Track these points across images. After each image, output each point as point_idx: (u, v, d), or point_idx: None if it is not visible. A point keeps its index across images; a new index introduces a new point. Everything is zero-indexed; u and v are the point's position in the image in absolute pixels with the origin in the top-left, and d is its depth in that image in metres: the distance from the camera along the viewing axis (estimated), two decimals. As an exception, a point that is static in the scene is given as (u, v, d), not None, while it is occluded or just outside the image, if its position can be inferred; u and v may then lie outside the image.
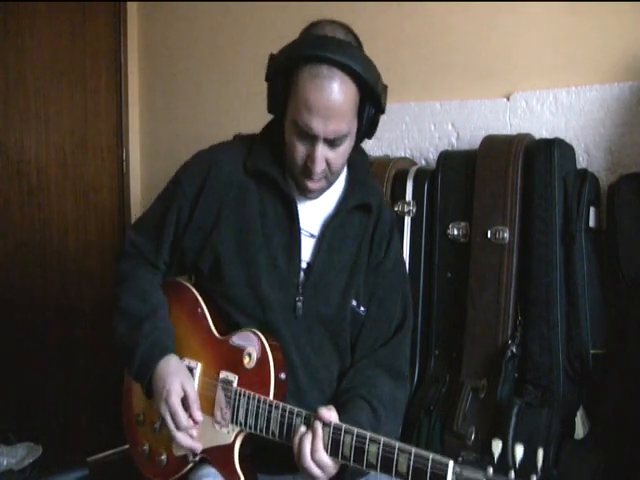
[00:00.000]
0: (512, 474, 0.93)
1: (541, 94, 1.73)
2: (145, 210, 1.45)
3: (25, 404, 2.54)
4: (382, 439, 1.04)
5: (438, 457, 0.99)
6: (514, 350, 1.54)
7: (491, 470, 0.95)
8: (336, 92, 1.16)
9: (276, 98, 1.24)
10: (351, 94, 1.19)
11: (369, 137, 1.31)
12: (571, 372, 1.53)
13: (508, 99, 1.80)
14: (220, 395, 1.26)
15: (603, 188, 1.59)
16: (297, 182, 1.29)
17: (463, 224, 1.69)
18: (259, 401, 1.19)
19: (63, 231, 2.72)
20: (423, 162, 1.96)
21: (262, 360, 1.22)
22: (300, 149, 1.22)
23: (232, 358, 1.26)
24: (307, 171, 1.24)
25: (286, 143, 1.26)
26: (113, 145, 2.87)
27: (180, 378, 1.25)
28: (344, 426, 1.09)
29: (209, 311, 1.34)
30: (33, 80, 2.60)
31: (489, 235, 1.61)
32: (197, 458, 1.30)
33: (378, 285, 1.35)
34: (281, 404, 1.17)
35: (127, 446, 1.49)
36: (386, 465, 1.03)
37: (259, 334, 1.24)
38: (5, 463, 1.79)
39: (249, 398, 1.21)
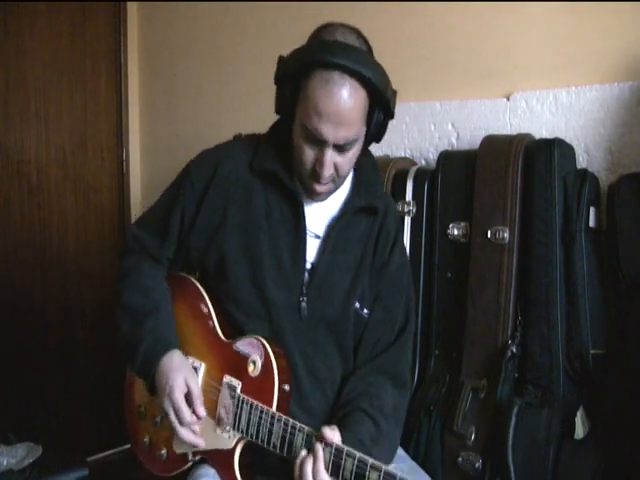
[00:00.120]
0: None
1: (541, 94, 1.73)
2: (149, 207, 1.45)
3: (25, 404, 2.53)
4: (383, 468, 1.03)
5: None
6: (514, 350, 1.54)
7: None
8: (346, 98, 1.16)
9: (285, 101, 1.23)
10: (361, 100, 1.18)
11: (377, 141, 1.31)
12: (571, 372, 1.53)
13: (508, 99, 1.80)
14: (223, 399, 1.25)
15: (603, 188, 1.59)
16: (304, 185, 1.29)
17: (463, 224, 1.69)
18: (262, 411, 1.19)
19: (63, 231, 2.72)
20: (423, 162, 1.96)
21: (266, 370, 1.21)
22: (309, 153, 1.22)
23: (236, 364, 1.25)
24: (315, 175, 1.24)
25: (294, 146, 1.26)
26: (113, 145, 2.87)
27: (184, 374, 1.25)
28: (346, 449, 1.08)
29: (215, 311, 1.34)
30: (33, 80, 2.60)
31: (489, 235, 1.61)
32: (197, 458, 1.30)
33: (381, 288, 1.35)
34: (283, 417, 1.17)
35: (127, 446, 1.49)
36: None
37: (264, 342, 1.23)
38: (5, 463, 1.79)
39: (252, 407, 1.20)
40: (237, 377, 1.25)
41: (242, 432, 1.21)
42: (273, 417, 1.17)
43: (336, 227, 1.32)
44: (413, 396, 1.69)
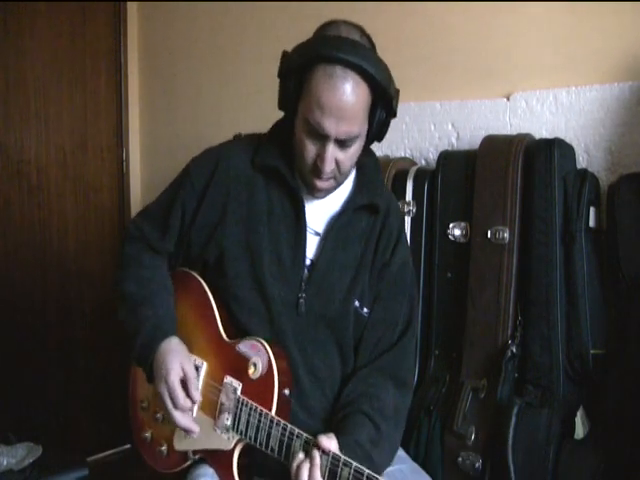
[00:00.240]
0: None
1: (541, 94, 1.73)
2: (153, 200, 1.46)
3: (25, 404, 2.53)
4: (380, 479, 1.03)
5: None
6: (514, 350, 1.54)
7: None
8: (349, 93, 1.16)
9: (288, 95, 1.24)
10: (364, 96, 1.19)
11: (379, 140, 1.32)
12: (571, 372, 1.53)
13: (508, 99, 1.80)
14: (223, 400, 1.25)
15: (603, 188, 1.59)
16: (305, 181, 1.29)
17: (463, 224, 1.69)
18: (261, 415, 1.19)
19: (63, 231, 2.72)
20: (423, 162, 1.96)
21: (267, 373, 1.21)
22: (310, 148, 1.22)
23: (238, 365, 1.25)
24: (316, 170, 1.24)
25: (296, 141, 1.26)
26: (113, 145, 2.87)
27: (180, 358, 1.26)
28: (342, 458, 1.07)
29: (218, 310, 1.34)
30: (33, 80, 2.60)
31: (489, 235, 1.61)
32: (196, 457, 1.30)
33: (382, 287, 1.35)
34: (282, 422, 1.16)
35: (127, 446, 1.50)
36: None
37: (265, 345, 1.23)
38: (5, 463, 1.79)
39: (251, 409, 1.20)
40: (238, 378, 1.25)
41: (241, 433, 1.21)
42: (272, 421, 1.17)
43: (336, 224, 1.32)
44: (413, 396, 1.68)
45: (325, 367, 1.32)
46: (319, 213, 1.34)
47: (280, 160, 1.32)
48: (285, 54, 1.24)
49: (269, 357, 1.21)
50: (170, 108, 2.81)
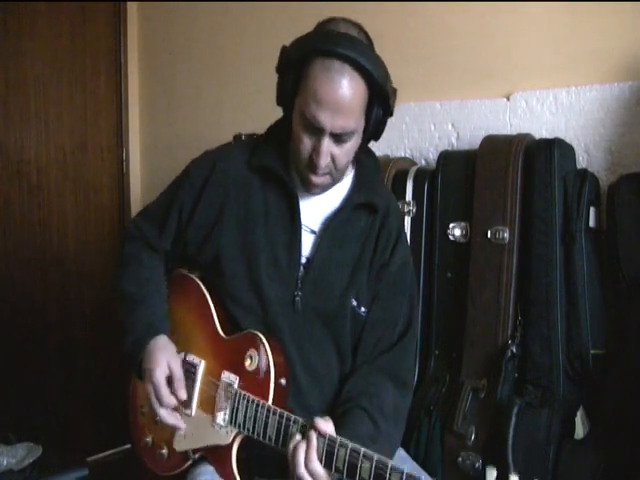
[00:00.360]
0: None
1: (541, 94, 1.73)
2: (153, 200, 1.48)
3: (25, 404, 2.53)
4: (375, 456, 1.04)
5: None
6: (514, 350, 1.54)
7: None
8: (346, 87, 1.17)
9: (286, 90, 1.24)
10: (360, 91, 1.19)
11: (376, 139, 1.32)
12: (571, 372, 1.53)
13: (508, 99, 1.80)
14: (221, 395, 1.26)
15: (603, 188, 1.59)
16: (301, 176, 1.29)
17: (463, 224, 1.69)
18: (258, 405, 1.20)
19: (63, 231, 2.72)
20: (423, 162, 1.96)
21: (263, 364, 1.22)
22: (306, 142, 1.23)
23: (234, 359, 1.26)
24: (312, 165, 1.24)
25: (293, 135, 1.26)
26: (113, 145, 2.87)
27: (167, 356, 1.27)
28: (339, 439, 1.08)
29: (215, 309, 1.35)
30: (33, 80, 2.60)
31: (489, 235, 1.61)
32: (197, 456, 1.30)
33: (381, 287, 1.35)
34: (279, 410, 1.17)
35: (127, 446, 1.50)
36: None
37: (262, 337, 1.24)
38: (5, 463, 1.79)
39: (248, 401, 1.21)
40: (235, 372, 1.26)
41: (239, 427, 1.22)
42: (269, 410, 1.18)
43: (333, 223, 1.32)
44: (413, 396, 1.69)
45: (322, 365, 1.32)
46: (315, 211, 1.34)
47: (276, 161, 1.33)
48: (284, 49, 1.25)
49: (265, 348, 1.23)
50: (170, 108, 2.81)
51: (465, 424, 1.55)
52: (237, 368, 1.26)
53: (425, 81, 1.97)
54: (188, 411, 1.30)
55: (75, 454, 1.95)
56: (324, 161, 1.22)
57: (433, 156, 1.91)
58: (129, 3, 2.86)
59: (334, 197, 1.35)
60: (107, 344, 2.63)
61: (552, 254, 1.54)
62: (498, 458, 1.48)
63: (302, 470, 1.09)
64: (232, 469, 1.23)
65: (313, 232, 1.34)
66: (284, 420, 1.16)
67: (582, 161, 1.65)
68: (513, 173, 1.59)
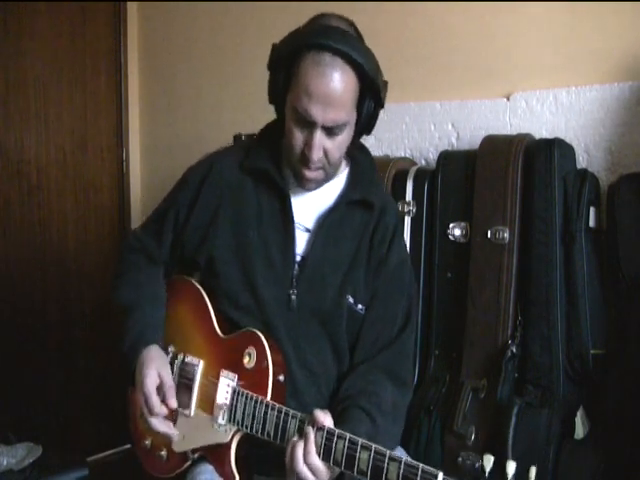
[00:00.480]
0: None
1: (541, 94, 1.73)
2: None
3: (25, 404, 2.53)
4: (373, 446, 1.04)
5: (428, 468, 0.99)
6: (514, 350, 1.54)
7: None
8: (337, 80, 1.17)
9: (277, 87, 1.25)
10: (351, 84, 1.20)
11: (368, 132, 1.32)
12: (571, 372, 1.53)
13: (508, 99, 1.80)
14: (220, 394, 1.26)
15: (603, 188, 1.59)
16: (295, 172, 1.30)
17: (463, 224, 1.69)
18: (256, 402, 1.20)
19: (63, 231, 2.72)
20: (423, 162, 1.96)
21: (261, 361, 1.23)
22: (298, 136, 1.24)
23: (233, 357, 1.27)
24: (305, 159, 1.25)
25: (285, 132, 1.27)
26: (113, 145, 2.86)
27: (156, 365, 1.28)
28: (337, 431, 1.09)
29: (214, 309, 1.36)
30: (33, 80, 2.60)
31: (489, 235, 1.61)
32: (196, 456, 1.31)
33: (379, 285, 1.35)
34: (277, 405, 1.18)
35: (127, 446, 1.51)
36: (376, 473, 1.03)
37: (260, 335, 1.25)
38: (5, 463, 1.79)
39: (247, 398, 1.21)
40: (233, 370, 1.26)
41: (237, 424, 1.22)
42: (267, 406, 1.18)
43: (327, 220, 1.33)
44: (413, 396, 1.69)
45: (319, 363, 1.32)
46: (309, 210, 1.34)
47: (269, 161, 1.34)
48: (274, 46, 1.26)
49: (263, 345, 1.23)
50: (170, 108, 2.81)
51: (465, 424, 1.55)
52: (235, 366, 1.26)
53: (425, 81, 1.97)
54: (187, 412, 1.31)
55: (75, 454, 1.95)
56: (317, 155, 1.23)
57: (433, 156, 1.91)
58: (129, 3, 2.86)
59: (328, 195, 1.35)
60: (107, 344, 2.63)
61: (552, 254, 1.54)
62: (498, 458, 1.48)
63: (301, 465, 1.10)
64: (231, 467, 1.23)
65: (307, 230, 1.34)
66: (282, 415, 1.16)
67: (582, 161, 1.65)
68: (513, 173, 1.59)
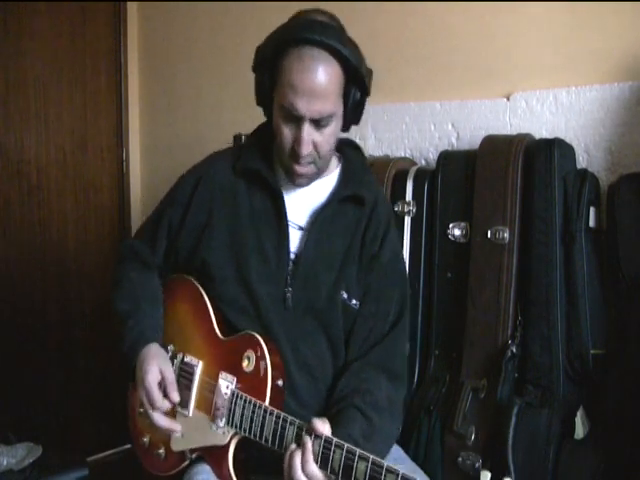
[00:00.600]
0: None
1: (541, 94, 1.73)
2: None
3: (25, 404, 2.53)
4: (371, 457, 1.04)
5: None
6: (514, 350, 1.54)
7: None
8: (321, 72, 1.18)
9: (264, 87, 1.26)
10: (336, 75, 1.21)
11: (356, 122, 1.33)
12: (571, 372, 1.53)
13: (508, 99, 1.80)
14: (218, 396, 1.26)
15: (603, 188, 1.59)
16: (286, 168, 1.30)
17: (463, 224, 1.69)
18: (255, 406, 1.20)
19: (63, 231, 2.72)
20: (423, 162, 1.96)
21: (260, 365, 1.22)
22: (287, 133, 1.24)
23: (232, 360, 1.27)
24: (295, 154, 1.25)
25: (275, 130, 1.28)
26: (113, 145, 2.87)
27: (157, 361, 1.28)
28: (335, 440, 1.08)
29: (213, 310, 1.35)
30: (33, 80, 2.60)
31: (489, 235, 1.61)
32: (194, 456, 1.31)
33: (371, 280, 1.35)
34: (275, 411, 1.17)
35: (127, 446, 1.51)
36: None
37: (259, 338, 1.24)
38: (5, 463, 1.79)
39: (245, 402, 1.21)
40: (232, 373, 1.26)
41: (236, 427, 1.22)
42: (265, 411, 1.18)
43: (320, 217, 1.33)
44: (413, 396, 1.69)
45: (316, 360, 1.32)
46: (302, 207, 1.35)
47: (260, 162, 1.35)
48: (258, 48, 1.27)
49: (262, 349, 1.23)
50: (170, 108, 2.81)
51: (465, 424, 1.55)
52: (234, 369, 1.26)
53: (425, 81, 1.97)
54: (185, 411, 1.31)
55: (75, 454, 1.95)
56: (306, 149, 1.23)
57: (433, 156, 1.91)
58: (129, 3, 2.86)
59: (321, 192, 1.35)
60: (107, 344, 2.63)
61: (552, 254, 1.54)
62: (498, 458, 1.48)
63: (299, 474, 1.10)
64: (229, 470, 1.23)
65: (301, 228, 1.35)
66: (280, 421, 1.16)
67: (582, 161, 1.65)
68: (513, 173, 1.59)
